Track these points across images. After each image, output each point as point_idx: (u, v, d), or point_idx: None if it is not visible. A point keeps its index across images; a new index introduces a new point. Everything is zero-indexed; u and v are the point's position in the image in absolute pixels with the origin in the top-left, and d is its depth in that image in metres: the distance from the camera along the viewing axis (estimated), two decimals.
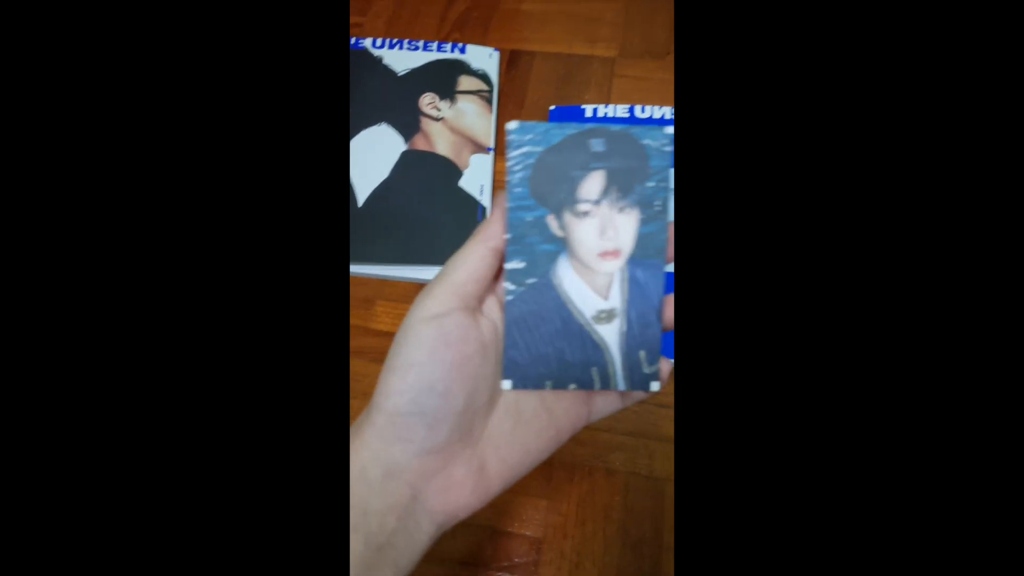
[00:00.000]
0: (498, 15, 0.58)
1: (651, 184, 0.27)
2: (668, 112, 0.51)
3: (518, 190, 0.27)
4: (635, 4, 0.57)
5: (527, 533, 0.41)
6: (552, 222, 0.27)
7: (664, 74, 0.54)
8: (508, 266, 0.28)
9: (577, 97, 0.54)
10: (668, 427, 0.43)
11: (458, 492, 0.26)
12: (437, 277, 0.27)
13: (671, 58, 0.55)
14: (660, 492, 0.42)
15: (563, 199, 0.27)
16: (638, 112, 0.52)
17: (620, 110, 0.52)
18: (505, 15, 0.58)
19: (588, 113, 0.52)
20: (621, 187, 0.27)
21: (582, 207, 0.27)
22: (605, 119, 0.52)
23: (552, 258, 0.27)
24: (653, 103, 0.52)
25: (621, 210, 0.27)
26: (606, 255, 0.27)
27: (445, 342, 0.25)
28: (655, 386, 0.28)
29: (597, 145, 0.27)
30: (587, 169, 0.27)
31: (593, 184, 0.27)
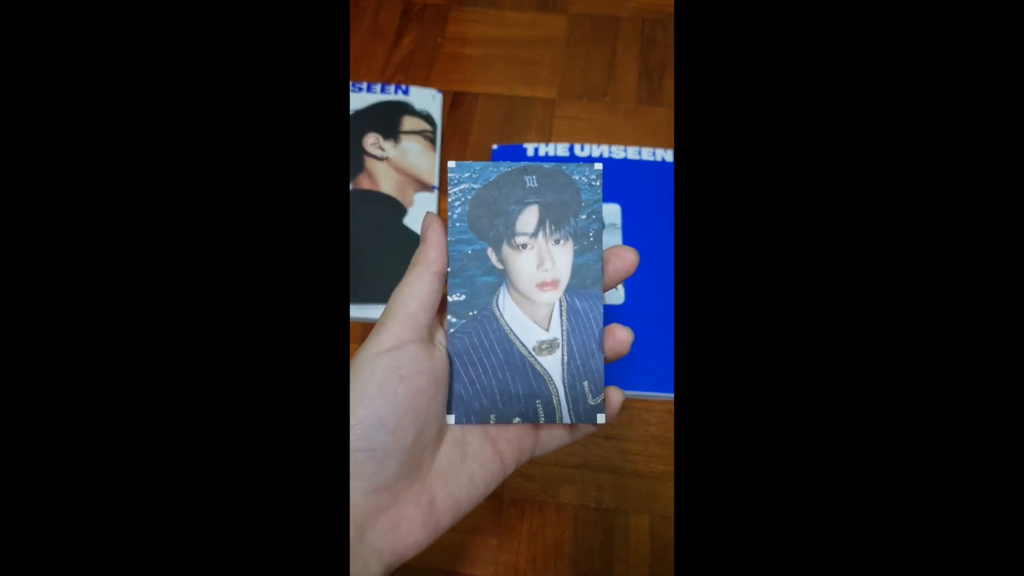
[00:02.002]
0: (441, 58, 0.60)
1: (583, 217, 0.28)
2: (605, 150, 0.53)
3: (458, 225, 0.28)
4: (572, 49, 0.60)
5: (478, 573, 0.41)
6: (491, 255, 0.28)
7: (601, 115, 0.56)
8: (450, 298, 0.28)
9: (519, 136, 0.55)
10: (616, 459, 0.44)
11: (407, 529, 0.26)
12: (387, 311, 0.27)
13: (608, 99, 0.57)
14: (609, 523, 0.42)
15: (501, 232, 0.28)
16: (577, 151, 0.53)
17: (560, 149, 0.53)
18: (448, 58, 0.59)
19: (530, 152, 0.53)
20: (555, 220, 0.28)
21: (519, 239, 0.28)
22: (546, 158, 0.54)
23: (492, 290, 0.28)
24: (591, 142, 0.54)
25: (556, 242, 0.28)
26: (544, 286, 0.28)
27: (399, 376, 0.25)
28: (601, 418, 0.28)
29: (531, 181, 0.28)
30: (523, 204, 0.28)
31: (529, 217, 0.28)
